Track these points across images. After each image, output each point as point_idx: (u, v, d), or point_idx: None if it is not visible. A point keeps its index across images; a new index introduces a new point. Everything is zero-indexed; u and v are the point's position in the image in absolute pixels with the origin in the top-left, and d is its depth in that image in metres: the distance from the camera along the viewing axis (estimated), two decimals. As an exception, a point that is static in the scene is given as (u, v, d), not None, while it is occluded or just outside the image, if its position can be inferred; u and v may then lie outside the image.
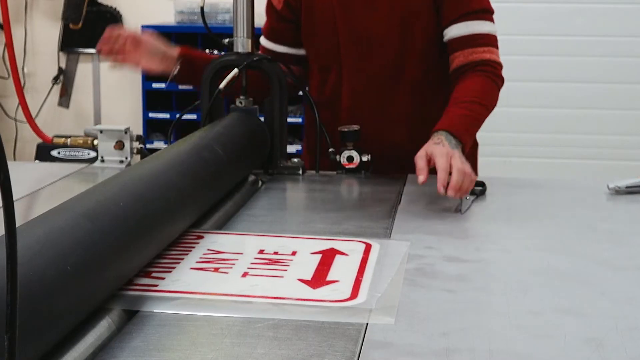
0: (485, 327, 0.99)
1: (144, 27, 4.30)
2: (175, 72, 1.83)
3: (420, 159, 1.54)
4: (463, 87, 1.77)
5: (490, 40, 1.85)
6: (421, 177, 1.52)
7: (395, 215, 1.50)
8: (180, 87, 4.13)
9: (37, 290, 0.81)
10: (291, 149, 4.04)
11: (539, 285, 1.15)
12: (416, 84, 1.86)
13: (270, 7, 1.95)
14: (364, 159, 1.84)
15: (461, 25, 1.82)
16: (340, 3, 1.83)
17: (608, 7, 4.29)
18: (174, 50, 1.87)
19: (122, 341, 0.92)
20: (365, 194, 1.79)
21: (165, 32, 4.29)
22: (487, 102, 1.78)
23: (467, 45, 1.82)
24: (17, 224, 0.59)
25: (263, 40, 1.96)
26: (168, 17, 4.48)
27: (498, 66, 1.84)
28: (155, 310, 1.01)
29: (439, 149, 1.55)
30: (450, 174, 1.50)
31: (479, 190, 1.64)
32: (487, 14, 1.86)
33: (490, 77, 1.81)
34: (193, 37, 4.29)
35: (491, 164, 3.69)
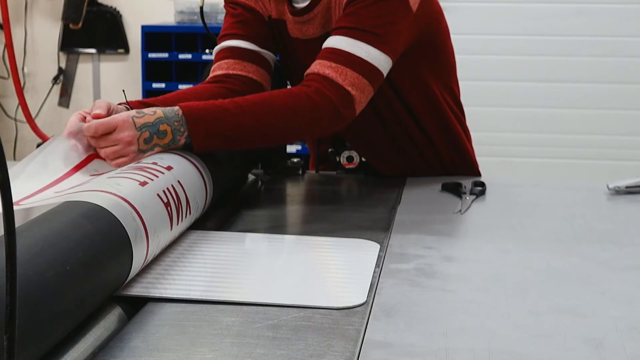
0: (485, 327, 0.99)
1: (144, 27, 4.31)
2: None
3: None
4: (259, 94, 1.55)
5: (347, 60, 1.53)
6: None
7: (395, 215, 1.50)
8: (181, 86, 4.15)
9: (37, 291, 0.81)
10: (291, 149, 4.04)
11: (539, 285, 1.15)
12: (411, 102, 1.76)
13: (231, 5, 1.76)
14: (364, 159, 1.85)
15: (333, 37, 1.57)
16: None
17: (608, 7, 4.29)
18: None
19: (121, 341, 0.92)
20: (365, 194, 1.79)
21: (165, 32, 4.32)
22: (253, 115, 1.46)
23: (321, 56, 1.56)
24: (17, 225, 0.59)
25: (223, 43, 1.72)
26: (168, 17, 4.48)
27: (333, 88, 1.51)
28: (155, 310, 1.01)
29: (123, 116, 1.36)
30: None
31: (478, 190, 1.65)
32: (369, 35, 1.54)
33: (308, 95, 1.50)
34: (193, 37, 4.29)
35: (491, 164, 3.70)
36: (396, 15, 1.59)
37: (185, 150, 1.40)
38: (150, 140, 1.36)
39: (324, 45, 1.59)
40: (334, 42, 1.57)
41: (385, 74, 1.59)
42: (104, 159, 1.35)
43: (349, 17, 1.57)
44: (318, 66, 1.55)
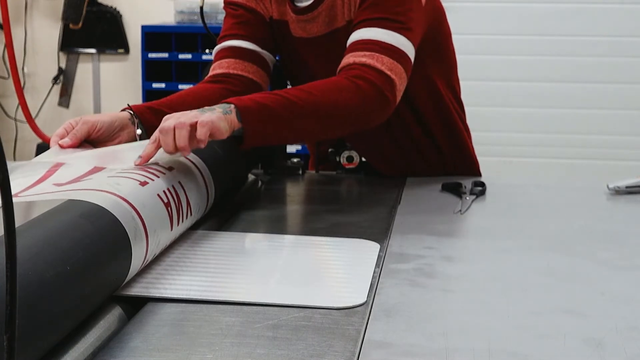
0: (485, 327, 0.99)
1: (144, 27, 4.31)
2: (140, 133, 1.48)
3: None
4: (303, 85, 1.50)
5: (380, 48, 1.52)
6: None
7: (395, 215, 1.50)
8: (181, 86, 4.15)
9: (37, 291, 0.81)
10: (291, 149, 4.04)
11: (539, 285, 1.15)
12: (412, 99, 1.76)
13: (232, 6, 1.75)
14: (364, 159, 1.85)
15: (359, 31, 1.56)
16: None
17: (608, 7, 4.29)
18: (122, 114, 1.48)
19: (121, 341, 0.92)
20: (365, 194, 1.79)
21: (165, 32, 4.32)
22: (296, 94, 1.43)
23: (351, 50, 1.55)
24: (17, 225, 0.59)
25: (224, 43, 1.72)
26: (168, 17, 4.48)
27: (373, 72, 1.50)
28: (155, 310, 1.01)
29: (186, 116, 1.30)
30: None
31: (478, 190, 1.65)
32: (394, 23, 1.55)
33: (350, 79, 1.49)
34: (193, 37, 4.29)
35: (491, 164, 3.69)
36: (411, 3, 1.59)
37: (232, 137, 1.37)
38: (204, 112, 1.32)
39: (350, 40, 1.58)
40: (362, 34, 1.56)
41: (412, 62, 1.58)
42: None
43: (370, 9, 1.57)
44: (351, 58, 1.54)
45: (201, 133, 1.28)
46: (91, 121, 1.39)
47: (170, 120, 1.29)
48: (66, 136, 1.37)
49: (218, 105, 1.36)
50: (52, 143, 1.37)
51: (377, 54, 1.52)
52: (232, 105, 1.36)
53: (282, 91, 1.45)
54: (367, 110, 1.51)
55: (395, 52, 1.53)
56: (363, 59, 1.52)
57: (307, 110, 1.43)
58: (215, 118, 1.31)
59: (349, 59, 1.54)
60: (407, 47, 1.56)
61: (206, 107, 1.35)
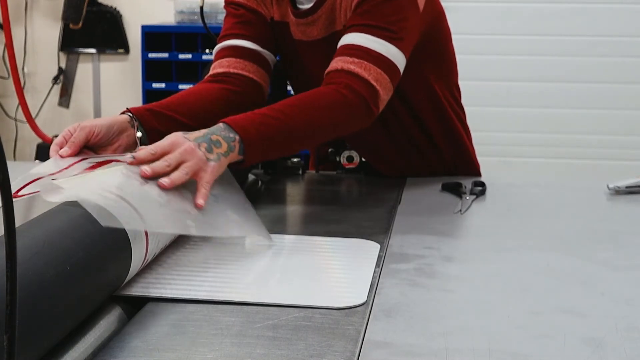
0: (485, 327, 0.99)
1: (144, 27, 4.31)
2: (140, 136, 1.44)
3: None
4: (290, 98, 1.52)
5: (369, 56, 1.52)
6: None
7: (395, 215, 1.50)
8: (181, 86, 4.15)
9: (37, 291, 0.81)
10: (291, 149, 4.04)
11: (539, 285, 1.15)
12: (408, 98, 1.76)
13: (233, 6, 1.75)
14: (364, 159, 1.85)
15: (349, 35, 1.56)
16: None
17: (608, 7, 4.29)
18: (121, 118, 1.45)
19: (122, 341, 0.92)
20: (365, 194, 1.79)
21: (165, 32, 4.32)
22: (293, 116, 1.43)
23: (340, 54, 1.55)
24: (17, 224, 0.59)
25: (225, 42, 1.71)
26: (168, 17, 4.48)
27: (360, 82, 1.51)
28: (155, 310, 1.01)
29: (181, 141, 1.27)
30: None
31: (478, 190, 1.65)
32: (386, 32, 1.55)
33: (339, 92, 1.49)
34: (193, 37, 4.29)
35: (491, 164, 3.69)
36: (407, 12, 1.59)
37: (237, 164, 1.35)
38: (211, 150, 1.28)
39: (340, 43, 1.58)
40: (352, 38, 1.56)
41: (401, 72, 1.58)
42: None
43: (363, 16, 1.57)
44: (340, 63, 1.54)
45: (204, 195, 1.24)
46: (88, 127, 1.37)
47: (162, 169, 1.22)
48: (65, 145, 1.35)
49: (222, 134, 1.32)
50: (51, 153, 1.35)
51: (365, 62, 1.52)
52: (238, 138, 1.33)
53: (281, 111, 1.43)
54: (352, 123, 1.55)
55: (383, 61, 1.54)
56: (351, 67, 1.52)
57: (302, 132, 1.45)
58: (218, 168, 1.28)
59: (337, 63, 1.55)
60: (397, 57, 1.56)
61: (212, 136, 1.30)
